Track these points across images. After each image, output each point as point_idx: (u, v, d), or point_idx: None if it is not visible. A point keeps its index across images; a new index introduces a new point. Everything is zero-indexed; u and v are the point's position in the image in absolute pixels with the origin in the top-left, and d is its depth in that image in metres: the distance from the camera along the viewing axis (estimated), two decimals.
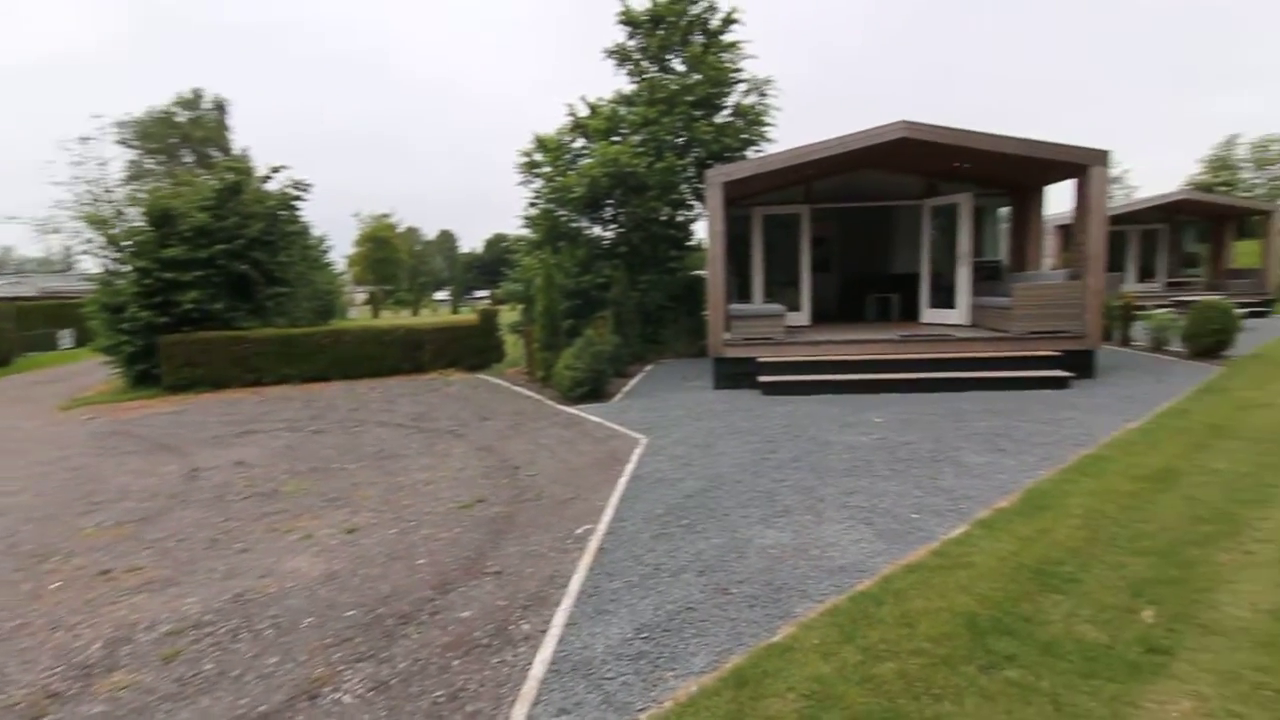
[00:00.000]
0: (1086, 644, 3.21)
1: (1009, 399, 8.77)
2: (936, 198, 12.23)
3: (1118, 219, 20.85)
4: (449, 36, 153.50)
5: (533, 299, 12.57)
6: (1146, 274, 22.20)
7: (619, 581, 4.16)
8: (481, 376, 13.43)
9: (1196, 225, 23.25)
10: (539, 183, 14.93)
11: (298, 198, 16.42)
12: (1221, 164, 47.34)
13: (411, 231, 77.45)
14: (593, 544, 4.75)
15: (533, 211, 15.29)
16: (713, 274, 10.25)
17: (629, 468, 6.53)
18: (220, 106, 47.96)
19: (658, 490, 5.82)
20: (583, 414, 9.17)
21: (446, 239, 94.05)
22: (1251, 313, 17.50)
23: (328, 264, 24.58)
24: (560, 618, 3.76)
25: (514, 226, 16.12)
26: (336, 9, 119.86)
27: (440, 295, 65.60)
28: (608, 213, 14.82)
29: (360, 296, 55.18)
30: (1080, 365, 9.82)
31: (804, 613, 3.64)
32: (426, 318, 29.25)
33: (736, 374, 10.23)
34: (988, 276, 12.42)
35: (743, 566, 4.25)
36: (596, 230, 15.39)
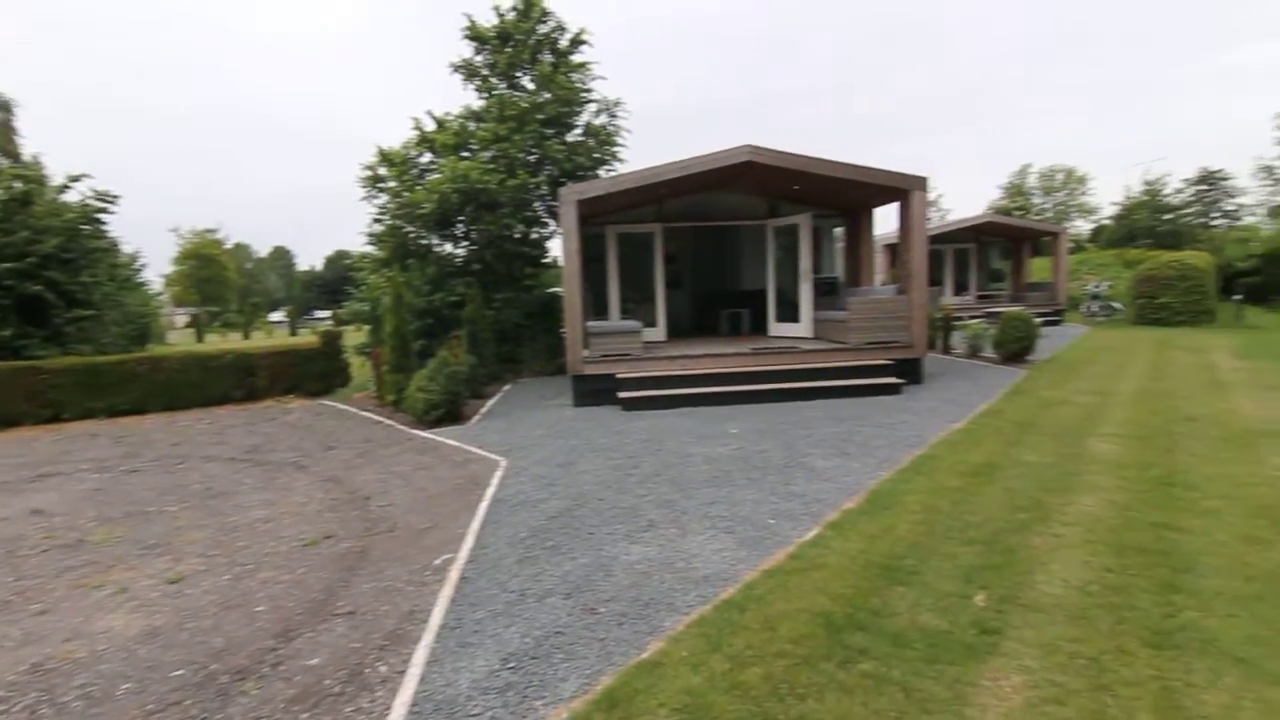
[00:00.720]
0: (930, 631, 3.45)
1: (850, 405, 9.37)
2: (779, 218, 12.93)
3: (935, 239, 23.08)
4: (278, 41, 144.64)
5: (380, 319, 11.96)
6: (961, 288, 24.66)
7: (483, 611, 3.99)
8: (325, 402, 12.60)
9: (1000, 244, 26.15)
10: (384, 198, 14.28)
11: (103, 210, 14.73)
12: (1017, 190, 53.76)
13: (241, 248, 71.72)
14: (454, 574, 4.53)
15: (378, 228, 14.59)
16: (569, 291, 10.23)
17: (490, 491, 6.33)
18: (5, 107, 42.29)
19: (520, 513, 5.67)
20: (438, 438, 8.81)
21: (281, 256, 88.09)
22: (1047, 321, 19.87)
23: (142, 284, 22.20)
24: (421, 655, 3.55)
25: (358, 243, 15.30)
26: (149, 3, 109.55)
27: (276, 316, 61.28)
28: (459, 230, 14.41)
29: (182, 319, 50.39)
30: (910, 372, 10.69)
31: (672, 626, 3.66)
32: (260, 341, 27.07)
33: (596, 391, 10.24)
34: (827, 292, 13.26)
35: (610, 585, 4.22)
36: (448, 247, 14.91)
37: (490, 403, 11.17)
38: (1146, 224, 36.79)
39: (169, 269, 55.59)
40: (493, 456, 7.63)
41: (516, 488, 6.39)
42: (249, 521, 6.00)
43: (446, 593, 4.26)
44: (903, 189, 10.83)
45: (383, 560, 4.90)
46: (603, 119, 15.37)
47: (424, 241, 14.35)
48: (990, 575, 4.03)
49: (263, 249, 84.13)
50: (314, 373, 13.52)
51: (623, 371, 10.28)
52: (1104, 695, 2.89)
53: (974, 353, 14.00)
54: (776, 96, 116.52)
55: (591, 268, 12.44)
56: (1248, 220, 39.59)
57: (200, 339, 39.99)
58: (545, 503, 5.89)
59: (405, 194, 13.62)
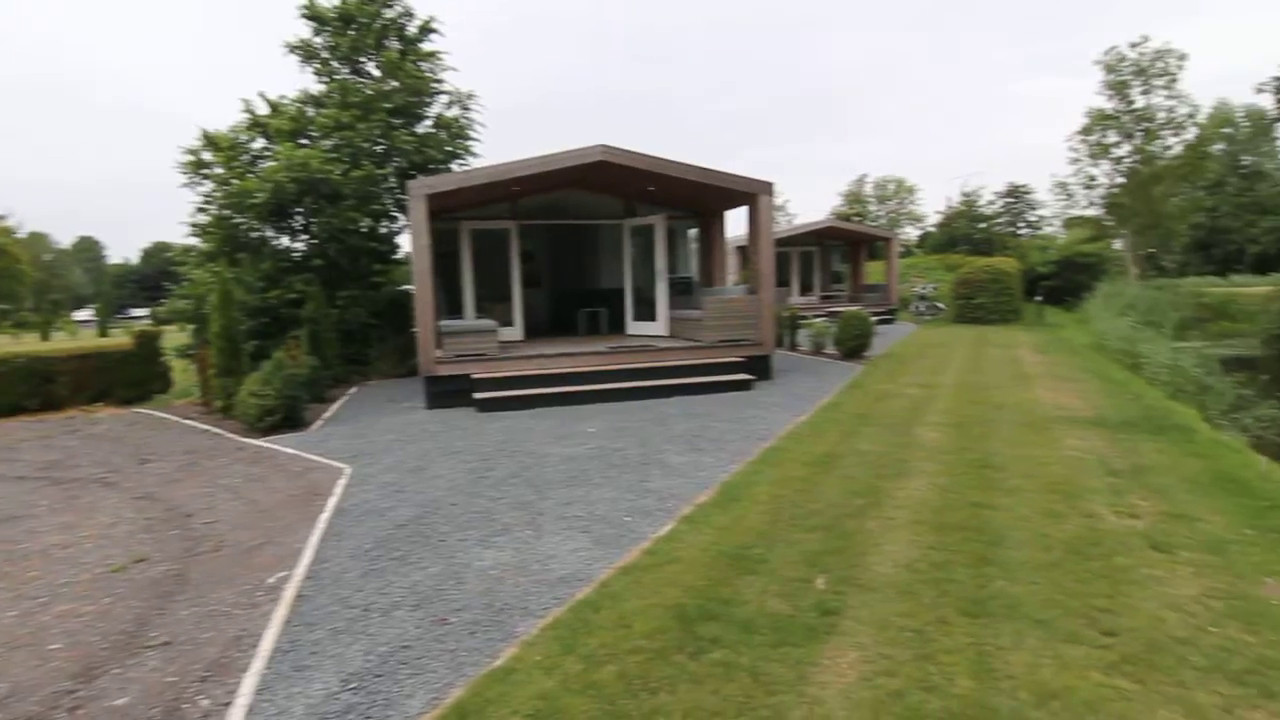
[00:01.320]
0: (775, 616, 3.59)
1: (704, 402, 9.64)
2: (635, 218, 13.09)
3: (782, 242, 24.28)
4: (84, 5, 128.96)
5: (206, 318, 10.92)
6: (806, 288, 26.13)
7: (321, 630, 3.72)
8: (142, 411, 11.36)
9: (840, 248, 27.94)
10: (210, 185, 13.05)
11: None
12: (855, 198, 57.82)
13: (37, 238, 63.27)
14: (289, 592, 4.20)
15: (203, 218, 13.30)
16: (420, 289, 9.83)
17: (332, 501, 5.94)
18: None
19: (366, 523, 5.36)
20: (275, 446, 8.17)
21: (89, 247, 78.80)
22: (881, 320, 21.44)
23: None
24: (249, 684, 3.25)
25: (180, 234, 13.85)
26: None
27: (82, 315, 54.75)
28: (298, 222, 13.44)
29: None
30: (759, 369, 11.16)
31: (526, 631, 3.58)
32: (62, 342, 23.95)
33: (450, 392, 9.91)
34: (682, 291, 13.57)
35: (462, 593, 4.07)
36: (285, 241, 13.86)
37: (334, 407, 10.52)
38: (965, 231, 40.72)
39: None
40: (336, 464, 7.17)
41: (362, 496, 6.04)
42: (42, 548, 5.29)
43: (280, 613, 3.94)
44: (750, 193, 11.28)
45: (206, 583, 4.47)
46: (455, 111, 14.91)
47: (257, 234, 13.25)
48: (830, 559, 4.26)
49: (65, 239, 74.84)
50: (127, 378, 12.16)
51: (478, 372, 10.01)
52: (928, 664, 3.12)
53: (818, 349, 14.85)
54: (637, 98, 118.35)
55: (444, 264, 12.03)
56: (1047, 230, 44.90)
57: None
58: (393, 511, 5.60)
59: (234, 181, 12.52)
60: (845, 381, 11.05)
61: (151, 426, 10.04)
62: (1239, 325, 25.53)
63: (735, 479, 6.01)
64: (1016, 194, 45.82)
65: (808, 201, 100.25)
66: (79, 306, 61.65)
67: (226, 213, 12.84)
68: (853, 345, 13.80)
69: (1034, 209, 45.48)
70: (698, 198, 12.74)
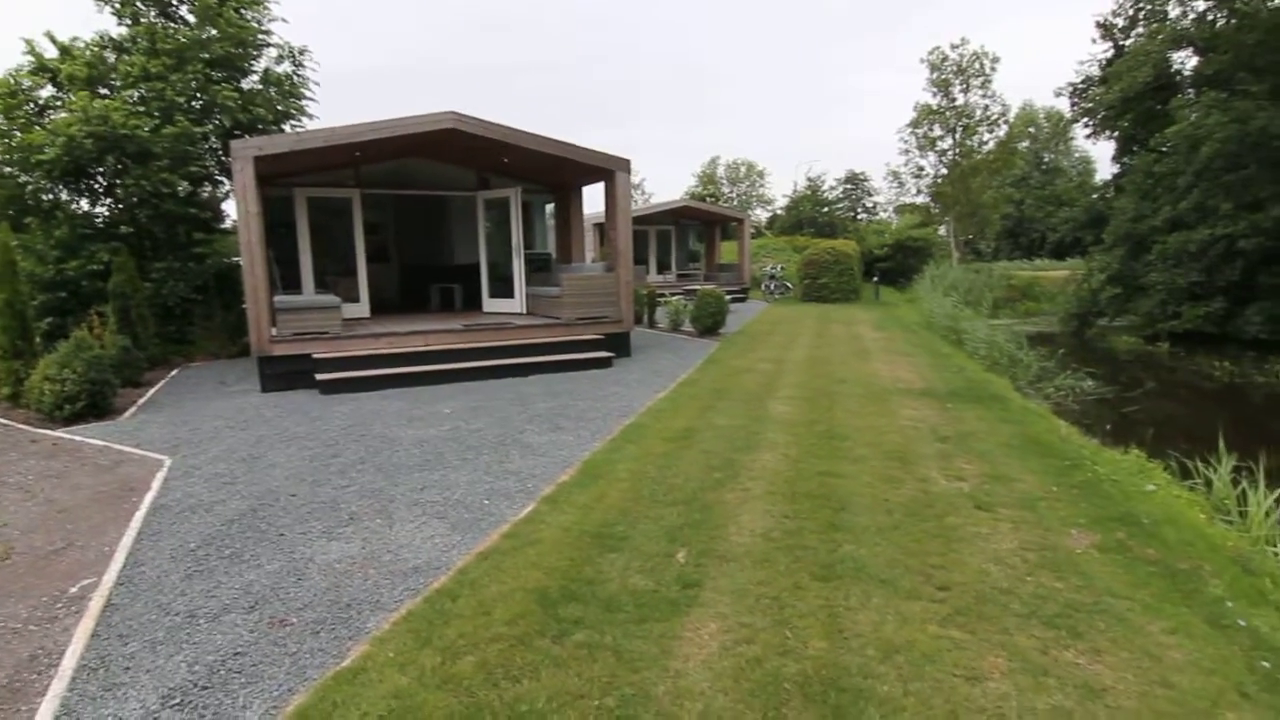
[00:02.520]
0: (638, 592, 3.58)
1: (564, 380, 9.55)
2: (489, 191, 12.66)
3: (639, 220, 24.45)
4: None
5: None
6: (663, 267, 26.53)
7: (137, 642, 3.31)
8: None
9: (695, 227, 28.58)
10: None
11: None
12: (708, 179, 59.44)
13: None
14: (96, 602, 3.70)
15: None
16: (249, 261, 8.96)
17: (149, 497, 5.30)
18: None
19: (190, 519, 4.83)
20: (78, 438, 7.20)
21: None
22: (735, 298, 22.21)
23: None
24: (48, 709, 2.83)
25: None
26: None
27: None
28: (100, 183, 11.84)
29: None
30: (619, 346, 11.19)
31: (377, 626, 3.36)
32: None
33: (289, 373, 9.16)
34: (540, 268, 13.34)
35: (304, 590, 3.76)
36: (84, 204, 12.20)
37: (152, 391, 9.44)
38: (810, 215, 42.99)
39: None
40: (154, 455, 6.42)
41: (185, 490, 5.44)
42: None
43: (86, 626, 3.47)
44: (608, 169, 11.21)
45: None
46: (286, 67, 13.65)
47: (49, 196, 11.54)
48: (690, 532, 4.32)
49: None
50: None
51: (320, 351, 9.32)
52: (784, 629, 3.23)
53: (675, 327, 15.13)
54: (492, 71, 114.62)
55: (280, 235, 11.08)
56: (882, 215, 48.39)
57: None
58: (223, 504, 5.09)
59: (16, 134, 10.81)
60: (702, 358, 11.33)
61: None
62: (1041, 305, 28.82)
63: (597, 457, 5.97)
64: (855, 181, 48.93)
65: (664, 181, 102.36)
66: None
67: (10, 170, 11.08)
68: (709, 323, 14.19)
69: (871, 195, 48.86)
70: (554, 172, 12.51)
